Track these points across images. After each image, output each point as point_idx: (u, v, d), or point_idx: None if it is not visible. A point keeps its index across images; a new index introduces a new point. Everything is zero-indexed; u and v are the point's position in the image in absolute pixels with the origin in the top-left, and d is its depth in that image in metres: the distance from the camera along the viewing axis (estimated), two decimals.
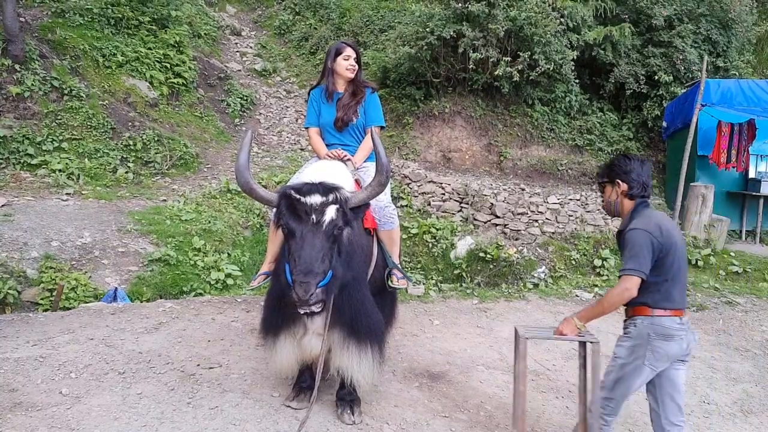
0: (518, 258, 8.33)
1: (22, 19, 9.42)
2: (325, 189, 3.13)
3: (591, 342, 3.34)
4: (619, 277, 3.17)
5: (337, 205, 3.08)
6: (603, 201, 3.51)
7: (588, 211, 9.78)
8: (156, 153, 9.45)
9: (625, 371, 3.20)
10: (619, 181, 3.32)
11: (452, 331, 5.85)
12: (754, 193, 10.48)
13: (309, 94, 4.51)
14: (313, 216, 3.01)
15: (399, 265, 4.19)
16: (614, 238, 9.48)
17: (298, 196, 3.06)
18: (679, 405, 3.24)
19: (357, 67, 4.32)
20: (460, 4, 10.09)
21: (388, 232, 4.07)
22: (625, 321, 3.33)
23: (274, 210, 3.19)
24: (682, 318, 3.16)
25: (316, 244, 2.97)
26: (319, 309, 3.01)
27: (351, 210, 3.21)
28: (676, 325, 3.12)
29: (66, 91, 9.15)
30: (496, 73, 10.24)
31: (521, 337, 3.39)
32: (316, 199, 3.05)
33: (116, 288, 6.06)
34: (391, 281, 4.04)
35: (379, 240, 4.05)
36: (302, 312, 2.98)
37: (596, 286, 8.16)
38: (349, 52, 4.28)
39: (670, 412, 3.23)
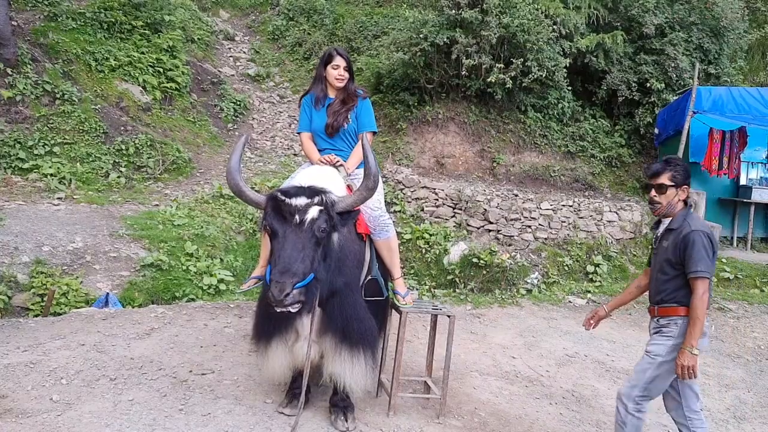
0: (511, 264, 8.34)
1: (14, 23, 9.38)
2: (311, 192, 3.16)
3: (448, 315, 4.22)
4: (690, 279, 3.24)
5: (321, 207, 3.10)
6: (655, 202, 3.48)
7: (581, 217, 9.81)
8: (148, 157, 9.41)
9: (663, 369, 3.31)
10: (686, 187, 3.44)
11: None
12: (745, 200, 10.54)
13: (301, 99, 4.51)
14: (296, 217, 3.02)
15: (400, 275, 4.22)
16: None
17: (283, 198, 3.07)
18: (696, 392, 3.42)
19: (347, 76, 4.26)
20: (453, 11, 10.12)
21: (385, 242, 4.06)
22: (658, 320, 3.42)
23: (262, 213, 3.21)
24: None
25: (297, 245, 2.99)
26: (296, 309, 2.98)
27: (339, 215, 3.23)
28: (707, 322, 3.31)
29: (58, 95, 9.11)
30: (489, 79, 10.26)
31: (404, 312, 4.14)
32: (301, 200, 3.08)
33: (108, 293, 6.02)
34: (397, 301, 4.18)
35: (375, 248, 4.05)
36: (278, 310, 2.95)
37: (589, 292, 8.18)
38: (338, 61, 4.22)
39: (690, 400, 3.40)
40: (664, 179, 3.43)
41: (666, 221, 3.50)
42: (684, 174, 3.43)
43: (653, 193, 3.46)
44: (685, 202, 3.44)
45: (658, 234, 3.56)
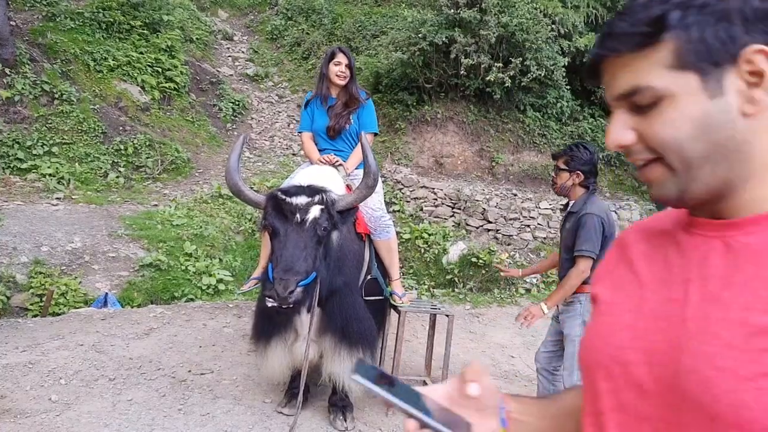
0: (510, 263, 8.34)
1: (12, 23, 9.37)
2: (311, 191, 3.16)
3: (446, 315, 4.21)
4: (575, 257, 3.43)
5: (322, 206, 3.10)
6: (555, 182, 3.71)
7: None
8: (147, 157, 9.41)
9: None
10: (579, 172, 3.54)
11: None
12: None
13: (305, 104, 4.47)
14: (298, 215, 3.02)
15: (398, 276, 4.23)
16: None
17: (284, 197, 3.07)
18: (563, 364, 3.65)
19: (348, 74, 4.23)
20: (452, 11, 10.12)
21: (385, 242, 4.07)
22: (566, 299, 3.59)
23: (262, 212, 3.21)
24: None
25: (299, 244, 2.98)
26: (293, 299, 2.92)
27: (339, 214, 3.23)
28: None
29: (56, 95, 9.10)
30: (487, 78, 10.27)
31: (402, 312, 4.13)
32: (301, 199, 3.07)
33: (107, 293, 6.01)
34: (394, 301, 4.18)
35: (375, 249, 4.05)
36: (270, 305, 2.91)
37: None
38: (340, 58, 4.21)
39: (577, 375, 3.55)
40: (560, 162, 3.63)
41: (571, 204, 3.64)
42: (580, 161, 3.53)
43: (553, 172, 3.73)
44: (587, 187, 3.56)
45: (564, 216, 3.73)
